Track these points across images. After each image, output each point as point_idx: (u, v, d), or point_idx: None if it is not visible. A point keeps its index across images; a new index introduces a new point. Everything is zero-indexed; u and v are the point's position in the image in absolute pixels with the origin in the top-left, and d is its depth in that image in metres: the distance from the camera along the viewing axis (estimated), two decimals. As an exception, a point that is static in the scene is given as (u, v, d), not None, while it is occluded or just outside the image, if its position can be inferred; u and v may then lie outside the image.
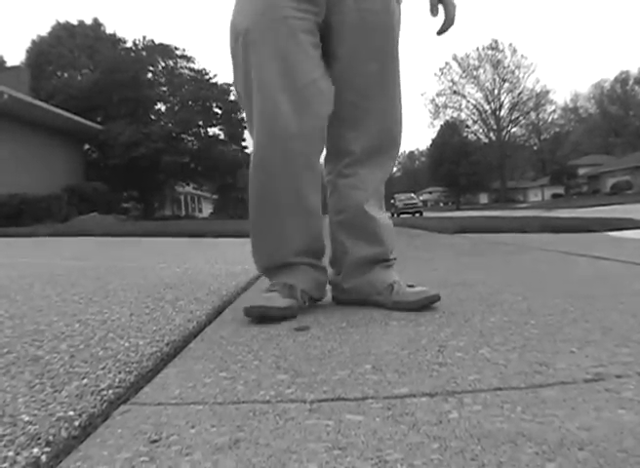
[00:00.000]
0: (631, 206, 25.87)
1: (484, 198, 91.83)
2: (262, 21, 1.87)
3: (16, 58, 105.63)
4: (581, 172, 75.27)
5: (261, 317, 1.83)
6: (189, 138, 27.44)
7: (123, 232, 8.81)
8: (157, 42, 30.08)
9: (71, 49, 35.21)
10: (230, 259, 4.43)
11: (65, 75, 33.90)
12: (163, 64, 29.69)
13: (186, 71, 30.12)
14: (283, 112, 1.84)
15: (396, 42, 2.07)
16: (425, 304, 1.93)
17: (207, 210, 50.32)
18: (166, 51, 29.67)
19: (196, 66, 30.37)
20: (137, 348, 1.49)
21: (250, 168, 1.98)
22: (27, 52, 38.70)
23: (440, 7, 2.10)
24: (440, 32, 2.12)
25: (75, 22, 39.47)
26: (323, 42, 1.98)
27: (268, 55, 1.86)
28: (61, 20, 39.80)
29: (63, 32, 37.77)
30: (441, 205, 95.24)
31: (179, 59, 29.91)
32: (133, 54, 29.71)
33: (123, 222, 14.10)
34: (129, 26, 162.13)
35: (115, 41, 37.52)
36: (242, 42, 1.91)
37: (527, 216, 13.77)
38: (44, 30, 55.38)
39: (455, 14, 2.11)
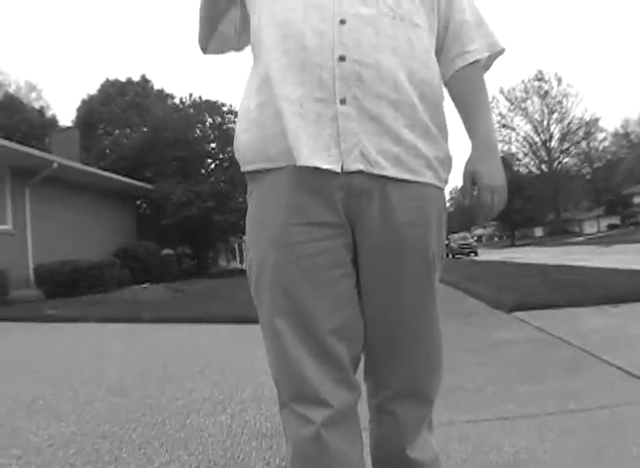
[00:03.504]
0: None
1: (539, 231, 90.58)
2: (274, 261, 1.62)
3: (67, 116, 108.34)
4: (637, 200, 73.93)
5: None
6: (239, 197, 27.58)
7: (170, 317, 8.85)
8: (204, 98, 30.51)
9: (121, 106, 36.06)
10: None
11: (117, 132, 34.65)
12: (211, 121, 30.03)
13: (234, 126, 30.39)
14: (305, 375, 1.61)
15: (434, 259, 1.73)
16: None
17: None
18: (213, 107, 30.00)
19: (244, 122, 30.63)
20: None
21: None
22: (77, 111, 39.89)
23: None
24: (478, 221, 1.92)
25: (124, 79, 40.59)
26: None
27: (282, 303, 1.61)
28: (111, 78, 41.00)
29: (113, 90, 38.84)
30: (496, 240, 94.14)
31: (226, 115, 30.20)
32: (180, 112, 30.13)
33: (174, 294, 14.14)
34: (175, 82, 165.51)
35: (163, 97, 38.34)
36: (255, 280, 1.69)
37: (583, 270, 13.30)
38: (93, 88, 56.94)
39: (494, 200, 1.76)
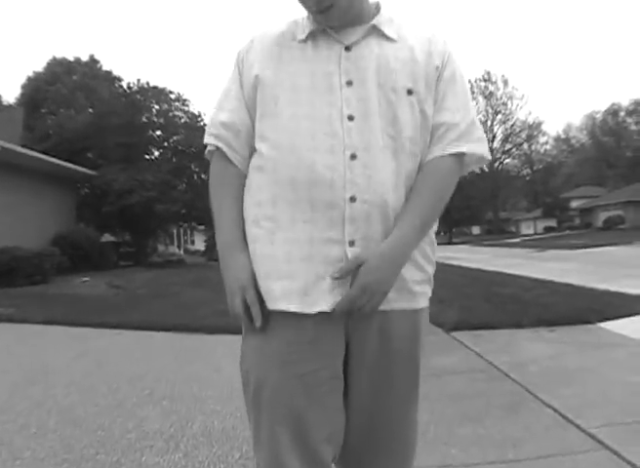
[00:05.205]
0: (621, 249, 25.97)
1: (476, 229, 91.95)
2: (278, 377, 1.67)
3: (11, 93, 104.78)
4: (574, 204, 75.64)
5: None
6: (182, 186, 27.34)
7: (113, 322, 8.78)
8: (152, 84, 30.02)
9: (68, 87, 35.25)
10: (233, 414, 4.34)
11: (61, 110, 33.92)
12: (157, 107, 29.64)
13: (181, 114, 30.06)
14: None
15: (419, 363, 1.82)
16: None
17: (199, 241, 50.58)
18: (161, 94, 29.60)
19: (191, 109, 30.40)
20: None
21: None
22: (22, 88, 38.84)
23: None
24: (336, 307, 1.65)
25: (71, 59, 39.72)
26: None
27: (282, 414, 1.67)
28: (58, 56, 40.10)
29: (60, 68, 37.95)
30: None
31: (173, 103, 29.86)
32: (127, 97, 29.60)
33: (115, 291, 14.03)
34: (124, 63, 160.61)
35: (111, 79, 37.60)
36: (253, 391, 1.73)
37: (521, 281, 13.54)
38: (39, 65, 55.67)
39: (362, 302, 1.60)
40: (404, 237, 1.64)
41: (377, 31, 1.74)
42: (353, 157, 1.62)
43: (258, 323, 1.68)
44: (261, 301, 1.69)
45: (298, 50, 1.75)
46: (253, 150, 1.80)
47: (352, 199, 1.60)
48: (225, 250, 1.77)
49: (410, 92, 1.69)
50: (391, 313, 1.71)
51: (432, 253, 1.83)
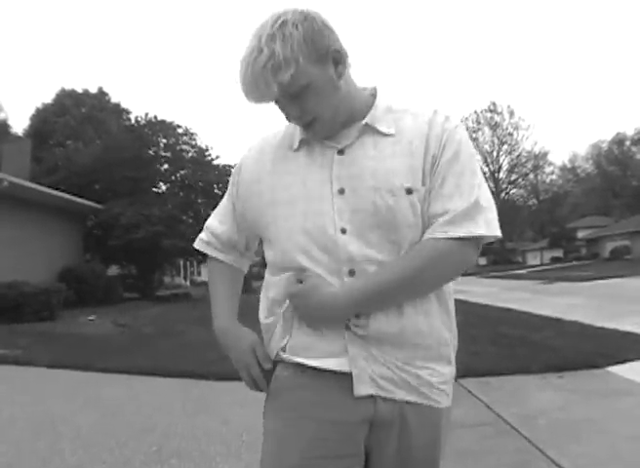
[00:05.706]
0: (628, 282, 25.84)
1: (482, 260, 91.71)
2: None
3: (20, 124, 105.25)
4: (580, 234, 75.57)
5: None
6: (189, 221, 27.32)
7: (119, 367, 8.72)
8: (159, 118, 30.02)
9: (77, 119, 35.58)
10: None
11: (69, 143, 34.17)
12: (165, 141, 29.69)
13: (188, 148, 30.08)
14: None
15: (439, 462, 1.77)
16: None
17: (206, 273, 50.60)
18: (168, 128, 29.63)
19: (198, 142, 30.42)
20: None
21: None
22: (31, 119, 39.22)
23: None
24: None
25: (80, 90, 40.12)
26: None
27: None
28: (67, 87, 40.52)
29: (68, 100, 38.37)
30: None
31: (180, 137, 29.90)
32: (135, 132, 29.66)
33: (121, 329, 14.00)
34: (132, 95, 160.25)
35: (119, 112, 37.94)
36: None
37: (529, 319, 13.47)
38: (49, 96, 56.23)
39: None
40: (344, 295, 1.57)
41: (371, 129, 1.66)
42: (352, 273, 1.59)
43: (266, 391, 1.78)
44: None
45: (293, 159, 1.72)
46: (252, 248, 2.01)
47: (356, 316, 1.61)
48: (223, 334, 1.86)
49: (409, 191, 1.59)
50: (410, 411, 1.66)
51: (453, 355, 1.78)
